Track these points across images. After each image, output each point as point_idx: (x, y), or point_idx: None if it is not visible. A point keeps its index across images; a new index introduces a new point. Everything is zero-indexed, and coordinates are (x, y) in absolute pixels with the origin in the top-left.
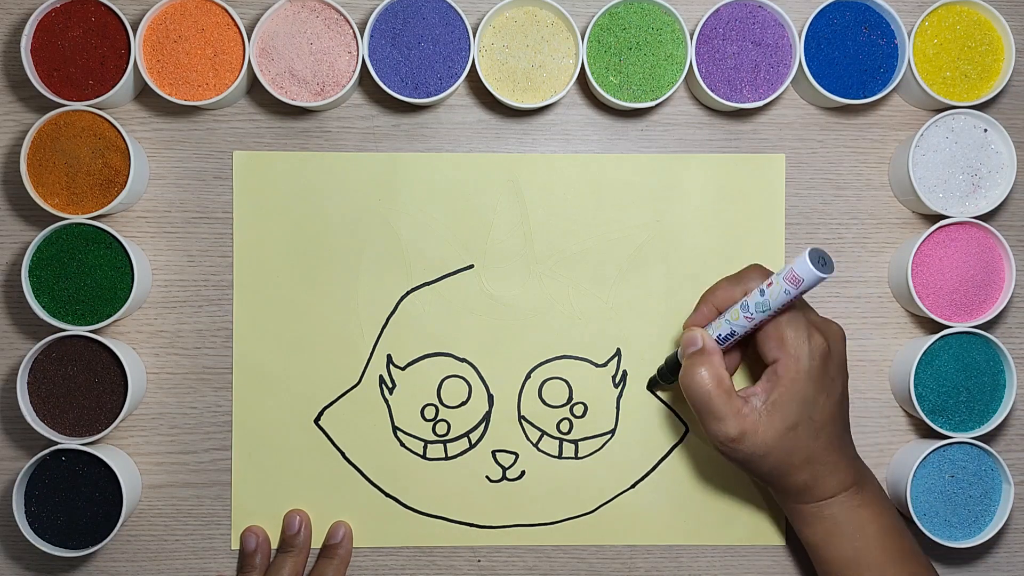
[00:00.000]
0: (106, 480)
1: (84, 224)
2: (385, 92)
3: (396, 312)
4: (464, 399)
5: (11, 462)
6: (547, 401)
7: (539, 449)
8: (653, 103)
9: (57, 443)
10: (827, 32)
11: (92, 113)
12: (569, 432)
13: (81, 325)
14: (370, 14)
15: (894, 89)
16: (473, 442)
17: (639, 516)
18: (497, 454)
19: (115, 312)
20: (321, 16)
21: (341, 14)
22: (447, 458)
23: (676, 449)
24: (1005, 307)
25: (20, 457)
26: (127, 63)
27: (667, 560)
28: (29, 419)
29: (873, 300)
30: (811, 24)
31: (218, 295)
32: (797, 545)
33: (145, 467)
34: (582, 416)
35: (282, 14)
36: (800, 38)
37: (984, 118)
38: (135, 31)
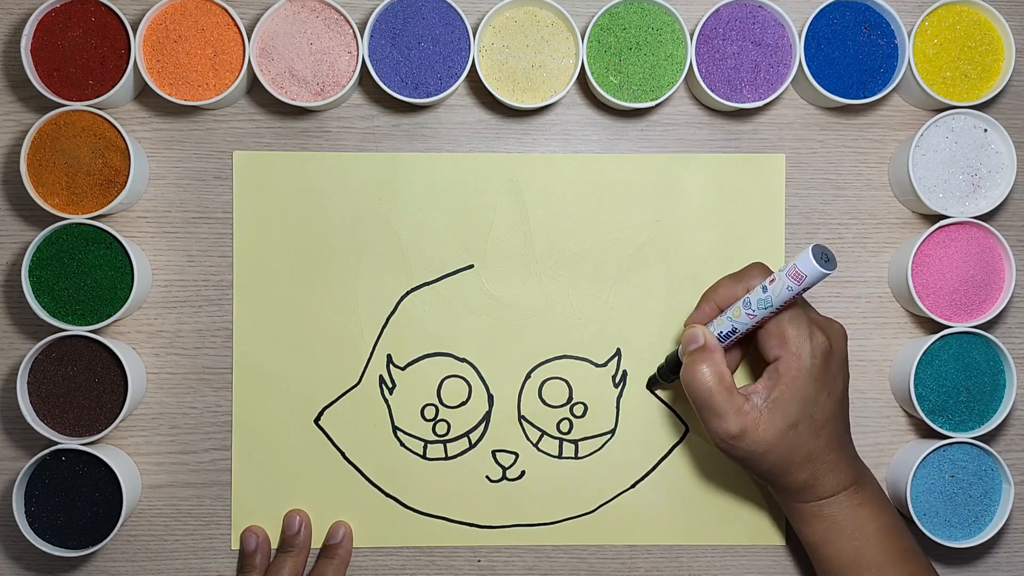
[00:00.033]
0: (106, 480)
1: (84, 224)
2: (385, 92)
3: (396, 312)
4: (464, 399)
5: (11, 462)
6: (547, 401)
7: (539, 449)
8: (653, 103)
9: (57, 443)
10: (827, 32)
11: (92, 113)
12: (569, 432)
13: (81, 325)
14: (370, 14)
15: (894, 89)
16: (473, 442)
17: (639, 516)
18: (497, 454)
19: (115, 312)
20: (321, 16)
21: (341, 14)
22: (447, 458)
23: (676, 449)
24: (1005, 307)
25: (20, 457)
26: (127, 63)
27: (667, 560)
28: (29, 419)
29: (873, 300)
30: (811, 24)
31: (218, 295)
32: (797, 545)
33: (145, 467)
34: (582, 416)
35: (282, 14)
36: (800, 38)
37: (984, 118)
38: (135, 31)
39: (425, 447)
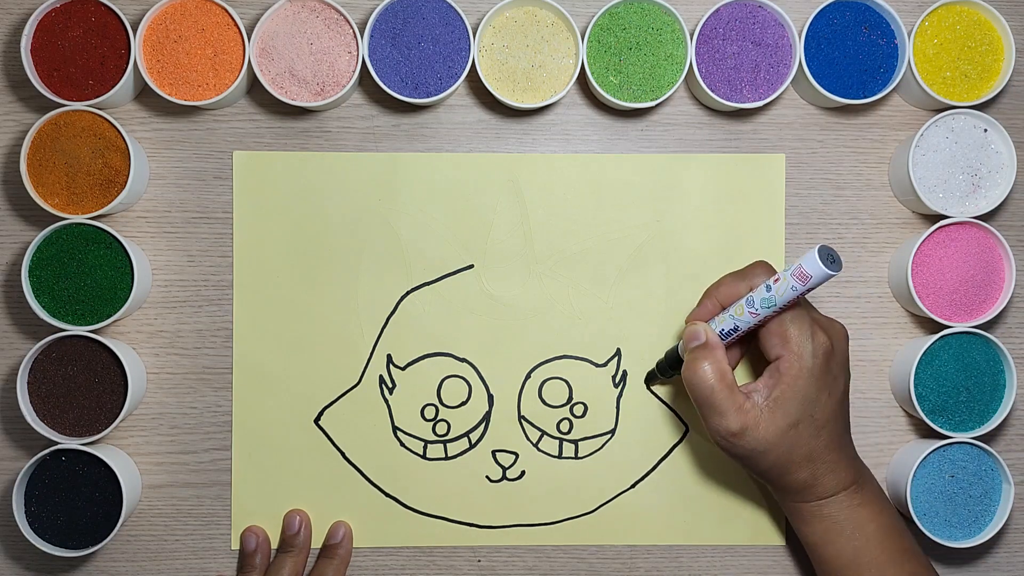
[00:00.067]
0: (106, 480)
1: (84, 224)
2: (385, 92)
3: (396, 312)
4: (464, 399)
5: (11, 462)
6: (547, 401)
7: (539, 449)
8: (653, 103)
9: (57, 443)
10: (827, 32)
11: (92, 113)
12: (569, 432)
13: (81, 325)
14: (370, 14)
15: (894, 89)
16: (473, 442)
17: (639, 516)
18: (497, 454)
19: (115, 312)
20: (321, 16)
21: (341, 14)
22: (447, 458)
23: (676, 449)
24: (1005, 307)
25: (20, 457)
26: (127, 63)
27: (667, 560)
28: (29, 419)
29: (873, 300)
30: (811, 24)
31: (218, 295)
32: (797, 545)
33: (145, 467)
34: (582, 416)
35: (282, 14)
36: (800, 38)
37: (984, 118)
38: (135, 31)
39: (425, 447)
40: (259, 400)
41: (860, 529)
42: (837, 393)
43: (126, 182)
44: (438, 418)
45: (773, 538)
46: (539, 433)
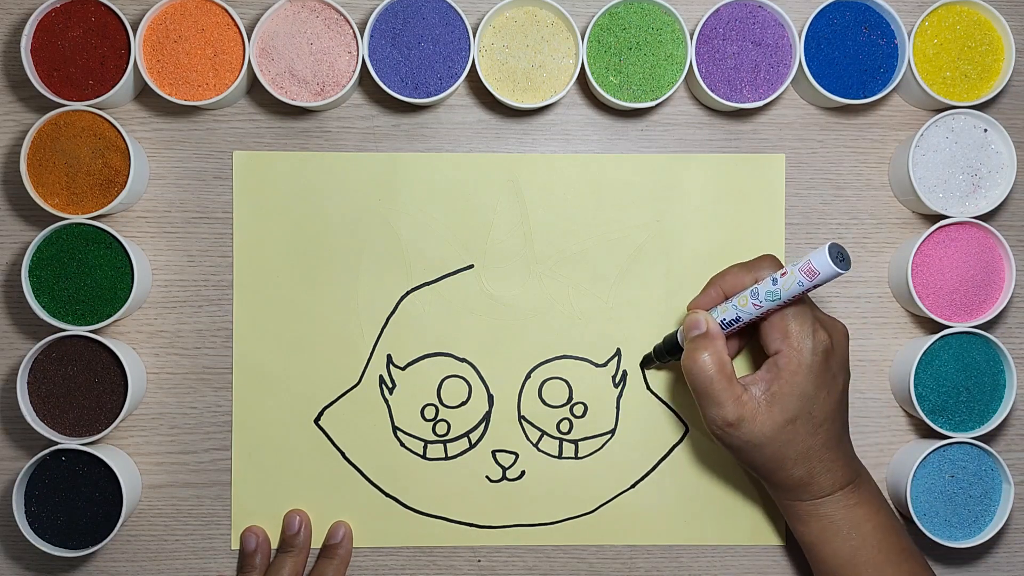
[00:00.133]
0: (106, 480)
1: (84, 224)
2: (385, 92)
3: (396, 312)
4: (464, 399)
5: (11, 462)
6: (547, 401)
7: (539, 449)
8: (653, 103)
9: (57, 443)
10: (827, 32)
11: (92, 113)
12: (569, 432)
13: (81, 325)
14: (370, 14)
15: (894, 89)
16: (473, 442)
17: (639, 516)
18: (497, 454)
19: (115, 312)
20: (321, 16)
21: (341, 14)
22: (447, 458)
23: (676, 449)
24: (1005, 307)
25: (20, 457)
26: (127, 63)
27: (667, 560)
28: (29, 419)
29: (873, 300)
30: (811, 24)
31: (218, 295)
32: (796, 546)
33: (145, 467)
34: (582, 416)
35: (282, 14)
36: (800, 38)
37: (984, 118)
38: (135, 31)
39: (425, 447)
40: (259, 400)
41: (856, 529)
42: (836, 392)
43: (126, 182)
44: (438, 418)
45: (772, 538)
46: (539, 433)
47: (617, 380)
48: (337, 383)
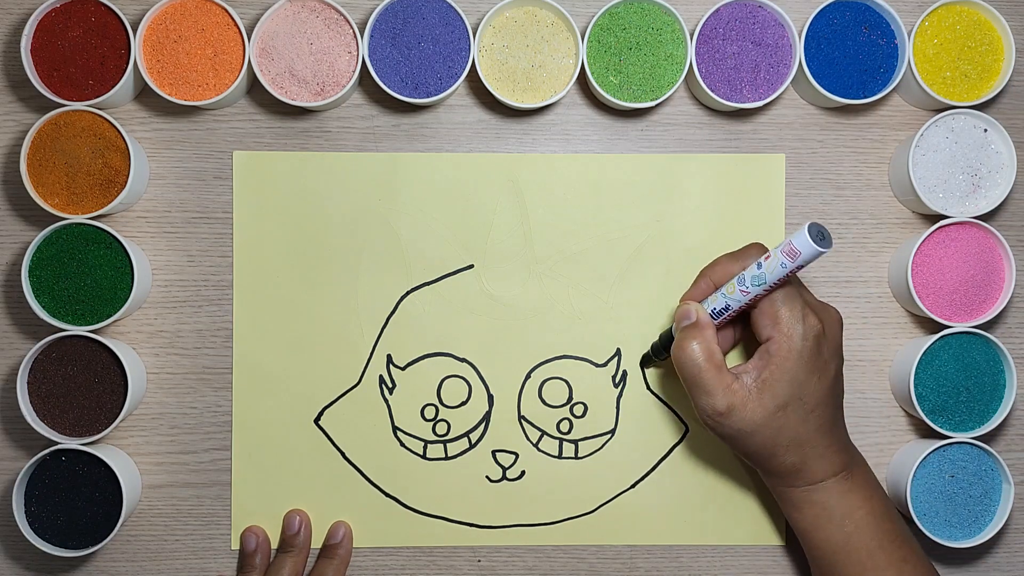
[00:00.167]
0: (106, 480)
1: (84, 224)
2: (385, 92)
3: (396, 312)
4: (464, 399)
5: (11, 462)
6: (547, 401)
7: (539, 449)
8: (653, 103)
9: (57, 443)
10: (827, 32)
11: (92, 113)
12: (569, 432)
13: (81, 325)
14: (370, 14)
15: (894, 89)
16: (473, 442)
17: (639, 516)
18: (497, 454)
19: (115, 312)
20: (321, 16)
21: (341, 14)
22: (447, 458)
23: (676, 449)
24: (1005, 307)
25: (20, 457)
26: (127, 63)
27: (667, 560)
28: (29, 419)
29: (873, 300)
30: (811, 24)
31: (218, 295)
32: (796, 546)
33: (145, 467)
34: (582, 416)
35: (282, 14)
36: (800, 38)
37: (984, 118)
38: (135, 31)
39: (425, 447)
40: (259, 400)
41: (850, 515)
42: (828, 378)
43: (126, 182)
44: (438, 418)
45: (773, 538)
46: (539, 433)
47: (617, 380)
48: (337, 383)
